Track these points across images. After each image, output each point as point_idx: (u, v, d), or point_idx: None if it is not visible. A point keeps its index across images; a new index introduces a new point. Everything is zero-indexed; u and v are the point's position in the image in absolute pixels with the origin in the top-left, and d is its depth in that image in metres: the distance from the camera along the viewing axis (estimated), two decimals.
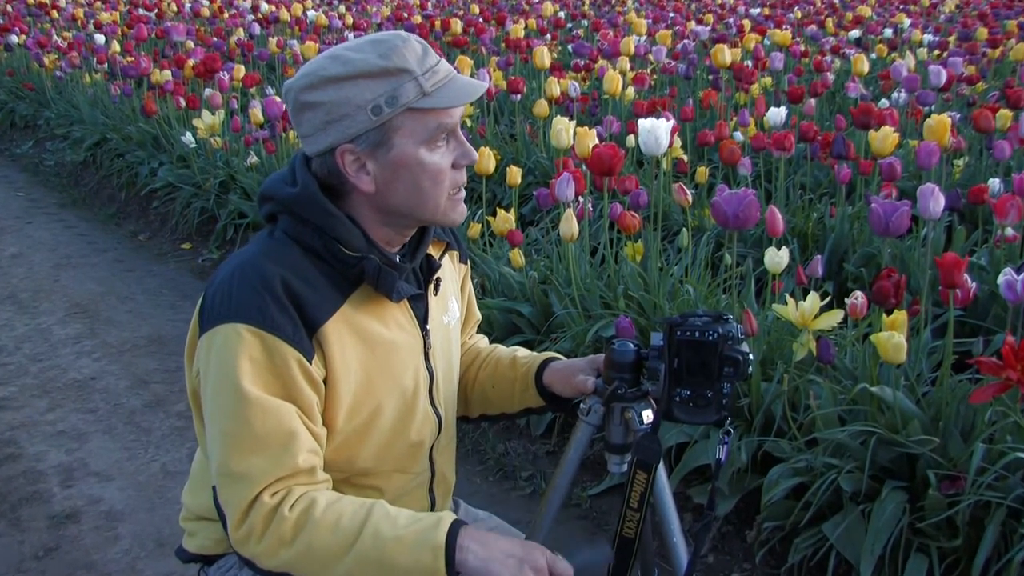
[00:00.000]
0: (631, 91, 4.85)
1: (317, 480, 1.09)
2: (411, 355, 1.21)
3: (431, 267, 1.24)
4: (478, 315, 1.49)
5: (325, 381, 1.11)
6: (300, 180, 1.12)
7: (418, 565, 1.00)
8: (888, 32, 7.35)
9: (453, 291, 1.35)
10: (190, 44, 7.13)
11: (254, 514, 1.04)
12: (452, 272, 1.36)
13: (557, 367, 1.34)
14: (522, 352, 1.41)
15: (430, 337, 1.24)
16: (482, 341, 1.50)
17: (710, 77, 5.60)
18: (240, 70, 5.48)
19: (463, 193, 1.17)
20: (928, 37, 6.72)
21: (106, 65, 6.85)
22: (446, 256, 1.32)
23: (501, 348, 1.45)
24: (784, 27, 7.42)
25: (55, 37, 8.20)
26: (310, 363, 1.08)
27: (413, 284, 1.22)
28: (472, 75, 4.91)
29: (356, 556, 1.01)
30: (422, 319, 1.23)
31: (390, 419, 1.19)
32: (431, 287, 1.25)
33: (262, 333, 1.05)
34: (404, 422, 1.21)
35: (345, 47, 1.10)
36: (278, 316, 1.06)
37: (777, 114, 3.88)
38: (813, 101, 4.52)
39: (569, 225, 2.65)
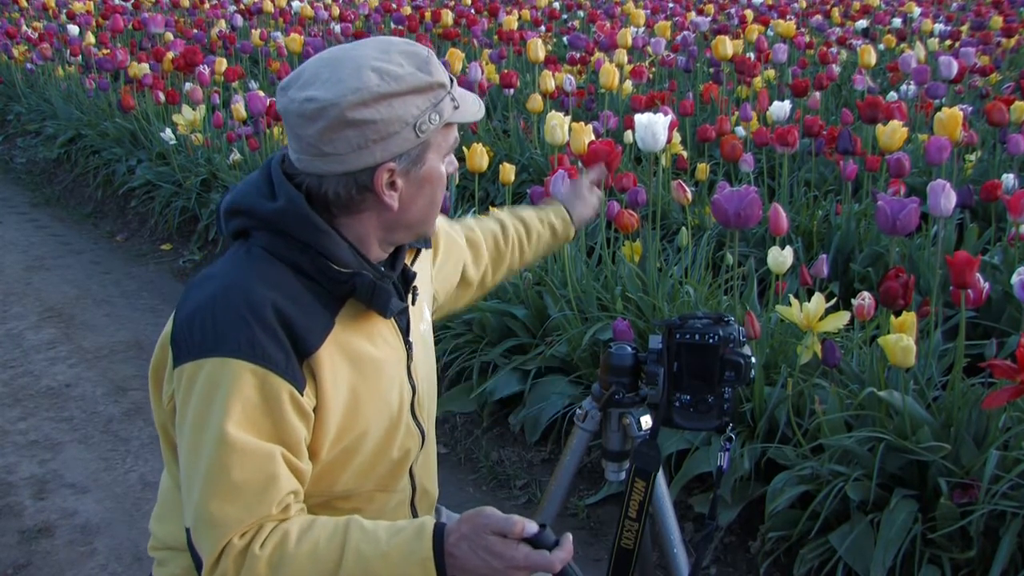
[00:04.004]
0: (628, 85, 4.84)
1: (289, 516, 1.05)
2: (396, 371, 1.18)
3: (406, 277, 1.21)
4: (463, 239, 1.49)
5: (315, 410, 1.07)
6: (285, 194, 1.07)
7: None
8: (897, 22, 7.32)
9: (425, 296, 1.32)
10: (169, 36, 7.02)
11: (225, 559, 1.01)
12: (425, 270, 1.34)
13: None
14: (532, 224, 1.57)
15: (412, 350, 1.21)
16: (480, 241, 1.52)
17: (711, 70, 5.56)
18: (222, 63, 5.39)
19: None
20: (939, 26, 6.67)
21: (80, 57, 6.73)
22: (417, 259, 1.29)
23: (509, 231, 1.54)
24: (788, 17, 7.39)
25: (24, 27, 8.07)
26: (301, 395, 1.04)
27: (395, 296, 1.18)
28: (463, 69, 4.87)
29: None
30: (404, 331, 1.20)
31: (375, 440, 1.16)
32: (409, 297, 1.23)
33: (254, 367, 1.00)
34: (388, 440, 1.18)
35: (379, 60, 1.04)
36: (269, 347, 1.01)
37: (781, 108, 3.88)
38: (818, 94, 4.50)
39: None
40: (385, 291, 1.10)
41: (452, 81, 1.09)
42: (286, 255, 1.07)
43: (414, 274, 1.22)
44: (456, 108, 1.09)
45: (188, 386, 1.03)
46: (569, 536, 1.01)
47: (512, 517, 0.99)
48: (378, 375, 1.14)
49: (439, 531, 1.00)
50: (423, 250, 1.33)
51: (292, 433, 1.03)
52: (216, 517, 1.00)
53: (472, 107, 1.12)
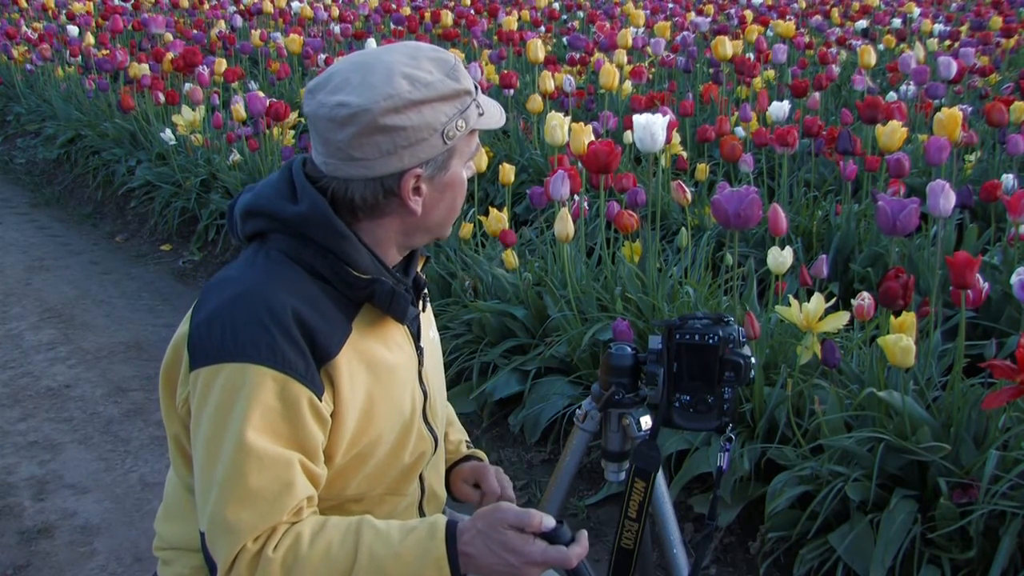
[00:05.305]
0: (628, 85, 4.84)
1: (301, 518, 1.05)
2: (408, 376, 1.18)
3: (417, 283, 1.22)
4: None
5: (332, 415, 1.06)
6: (308, 198, 1.06)
7: None
8: (896, 22, 7.32)
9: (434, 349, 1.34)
10: (169, 36, 7.03)
11: (238, 564, 1.01)
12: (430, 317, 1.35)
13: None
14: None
15: (423, 355, 1.22)
16: None
17: (710, 70, 5.56)
18: (221, 64, 5.41)
19: None
20: (939, 27, 6.69)
21: (80, 58, 6.74)
22: (425, 267, 1.30)
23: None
24: (788, 17, 7.40)
25: (24, 28, 8.08)
26: (320, 400, 1.04)
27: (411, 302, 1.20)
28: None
29: None
30: (416, 337, 1.21)
31: (387, 445, 1.16)
32: (420, 304, 1.24)
33: (275, 373, 1.00)
34: (400, 446, 1.18)
35: (409, 66, 1.05)
36: (290, 353, 1.01)
37: (780, 108, 3.87)
38: (818, 95, 4.50)
39: (564, 225, 2.62)
40: (403, 297, 1.10)
41: (477, 88, 1.10)
42: (305, 259, 1.06)
43: (425, 282, 1.23)
44: (481, 115, 1.10)
45: (205, 390, 1.01)
46: (585, 532, 1.02)
47: (530, 511, 0.99)
48: (392, 380, 1.14)
49: (451, 529, 1.00)
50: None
51: (311, 439, 1.03)
52: (231, 522, 1.00)
53: (495, 113, 1.13)
